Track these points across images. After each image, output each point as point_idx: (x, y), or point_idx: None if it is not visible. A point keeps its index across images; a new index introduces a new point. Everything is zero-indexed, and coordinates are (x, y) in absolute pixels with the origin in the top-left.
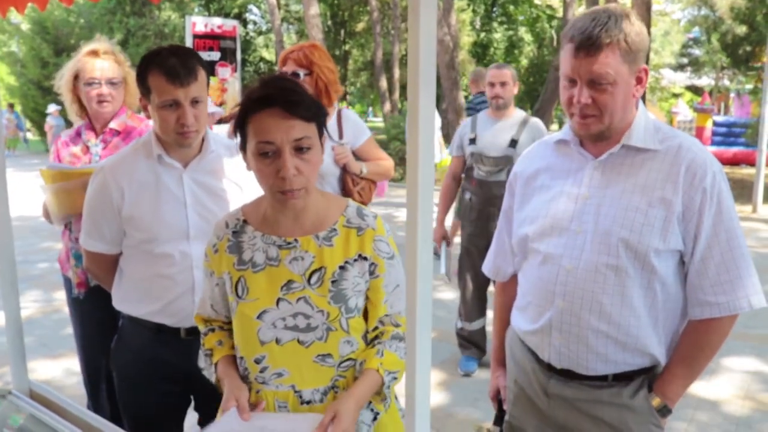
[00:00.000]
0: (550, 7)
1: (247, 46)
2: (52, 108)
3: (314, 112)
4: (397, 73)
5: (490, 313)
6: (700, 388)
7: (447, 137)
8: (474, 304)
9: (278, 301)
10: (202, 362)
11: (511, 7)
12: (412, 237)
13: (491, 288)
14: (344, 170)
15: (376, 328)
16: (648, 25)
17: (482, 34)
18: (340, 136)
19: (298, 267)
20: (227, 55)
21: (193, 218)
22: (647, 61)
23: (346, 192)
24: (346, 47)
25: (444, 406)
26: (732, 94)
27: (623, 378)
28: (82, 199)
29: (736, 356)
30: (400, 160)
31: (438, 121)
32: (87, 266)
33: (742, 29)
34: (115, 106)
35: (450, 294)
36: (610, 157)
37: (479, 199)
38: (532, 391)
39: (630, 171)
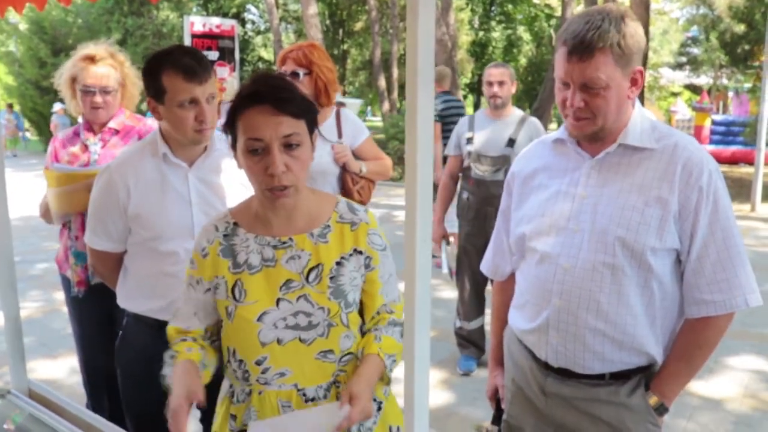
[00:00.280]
0: (548, 6)
1: (245, 46)
2: (57, 107)
3: (304, 109)
4: (395, 72)
5: (488, 312)
6: (699, 386)
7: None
8: (472, 304)
9: (278, 301)
10: (166, 368)
11: (510, 6)
12: (411, 236)
13: (489, 287)
14: (344, 169)
15: (373, 318)
16: (646, 24)
17: (481, 33)
18: (339, 136)
19: (295, 266)
20: (225, 55)
21: (198, 216)
22: (645, 61)
23: (345, 191)
24: (345, 47)
25: (443, 406)
26: (730, 93)
27: (620, 377)
28: (84, 199)
29: (736, 355)
30: (399, 160)
31: None
32: (92, 264)
33: (740, 28)
34: (110, 112)
35: (449, 293)
36: (607, 156)
37: (477, 199)
38: (529, 390)
39: (627, 170)
